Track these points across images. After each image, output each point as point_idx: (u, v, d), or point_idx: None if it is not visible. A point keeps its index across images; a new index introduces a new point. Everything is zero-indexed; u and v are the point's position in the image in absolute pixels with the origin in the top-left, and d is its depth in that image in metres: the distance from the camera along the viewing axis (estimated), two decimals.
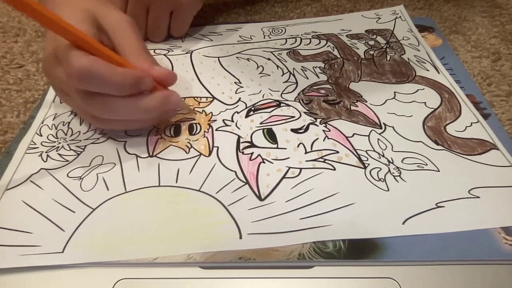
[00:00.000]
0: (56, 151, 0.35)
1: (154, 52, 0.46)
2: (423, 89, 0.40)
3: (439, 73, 0.42)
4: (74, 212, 0.30)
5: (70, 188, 0.32)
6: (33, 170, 0.33)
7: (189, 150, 0.34)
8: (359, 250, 0.27)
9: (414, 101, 0.38)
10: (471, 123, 0.36)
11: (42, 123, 0.38)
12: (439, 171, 0.32)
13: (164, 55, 0.46)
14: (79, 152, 0.35)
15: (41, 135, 0.37)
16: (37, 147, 0.35)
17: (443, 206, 0.29)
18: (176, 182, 0.32)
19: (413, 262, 0.27)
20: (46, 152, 0.35)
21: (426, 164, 0.32)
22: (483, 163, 0.33)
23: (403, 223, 0.28)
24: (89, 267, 0.27)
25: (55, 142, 0.36)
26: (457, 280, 0.26)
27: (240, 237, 0.28)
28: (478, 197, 0.30)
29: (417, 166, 0.32)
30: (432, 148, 0.34)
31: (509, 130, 0.36)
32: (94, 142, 0.35)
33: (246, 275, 0.26)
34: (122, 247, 0.28)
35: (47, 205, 0.31)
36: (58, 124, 0.38)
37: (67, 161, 0.34)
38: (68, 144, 0.36)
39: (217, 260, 0.27)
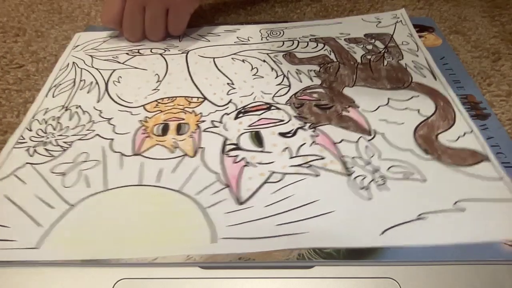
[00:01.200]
0: (44, 146, 0.35)
1: (151, 51, 0.46)
2: (418, 96, 0.39)
3: (436, 79, 0.41)
4: (53, 208, 0.30)
5: (52, 184, 0.32)
6: (18, 165, 0.33)
7: (174, 150, 0.34)
8: (359, 251, 0.27)
9: (407, 108, 0.38)
10: (464, 133, 0.35)
11: (33, 118, 0.38)
12: (425, 181, 0.31)
13: (160, 54, 0.46)
14: (66, 148, 0.35)
15: (30, 130, 0.37)
16: (26, 142, 0.36)
17: (426, 218, 0.29)
18: (157, 182, 0.31)
19: (413, 262, 0.26)
20: (33, 147, 0.35)
21: (413, 174, 0.32)
22: (473, 175, 0.32)
23: (382, 234, 0.27)
24: (89, 267, 0.27)
25: (44, 137, 0.36)
26: (457, 280, 0.25)
27: (214, 241, 0.27)
28: (464, 209, 0.29)
29: (403, 175, 0.31)
30: (421, 157, 0.33)
31: (509, 130, 0.36)
32: (82, 139, 0.36)
33: (246, 275, 0.26)
34: (97, 245, 0.27)
35: (28, 200, 0.31)
36: (48, 119, 0.38)
37: (53, 156, 0.34)
38: (56, 140, 0.36)
39: (217, 260, 0.26)
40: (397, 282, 0.25)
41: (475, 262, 0.26)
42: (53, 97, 0.40)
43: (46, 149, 0.35)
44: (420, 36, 0.48)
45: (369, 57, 0.44)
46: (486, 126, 0.36)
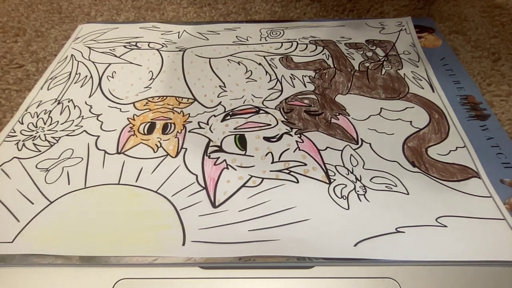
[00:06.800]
0: (32, 140, 0.35)
1: (148, 45, 0.46)
2: (413, 107, 0.38)
3: (434, 91, 0.40)
4: (33, 203, 0.30)
5: (35, 179, 0.32)
6: (6, 158, 0.34)
7: (157, 149, 0.34)
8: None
9: (399, 119, 0.37)
10: (457, 147, 0.34)
11: (26, 111, 0.38)
12: (408, 194, 0.30)
13: (158, 50, 0.46)
14: (53, 144, 0.35)
15: (22, 123, 0.37)
16: (16, 135, 0.36)
17: (403, 232, 0.28)
18: (136, 181, 0.31)
19: (413, 262, 0.26)
20: (23, 141, 0.35)
21: (396, 186, 0.31)
22: (460, 191, 0.31)
23: (355, 245, 0.27)
24: (89, 266, 0.27)
25: (33, 131, 0.36)
26: (457, 280, 0.25)
27: (183, 244, 0.27)
28: (446, 226, 0.28)
29: (386, 186, 0.31)
30: (407, 170, 0.32)
31: (509, 130, 0.35)
32: (69, 135, 0.36)
33: (246, 275, 0.26)
34: (70, 242, 0.28)
35: (10, 195, 0.31)
36: (40, 112, 0.38)
37: (40, 151, 0.34)
38: (44, 134, 0.36)
39: (217, 260, 0.26)
40: (397, 282, 0.25)
41: (475, 263, 0.26)
42: (48, 89, 0.41)
43: (34, 144, 0.35)
44: (420, 37, 0.47)
45: (367, 64, 0.43)
46: (486, 127, 0.36)
